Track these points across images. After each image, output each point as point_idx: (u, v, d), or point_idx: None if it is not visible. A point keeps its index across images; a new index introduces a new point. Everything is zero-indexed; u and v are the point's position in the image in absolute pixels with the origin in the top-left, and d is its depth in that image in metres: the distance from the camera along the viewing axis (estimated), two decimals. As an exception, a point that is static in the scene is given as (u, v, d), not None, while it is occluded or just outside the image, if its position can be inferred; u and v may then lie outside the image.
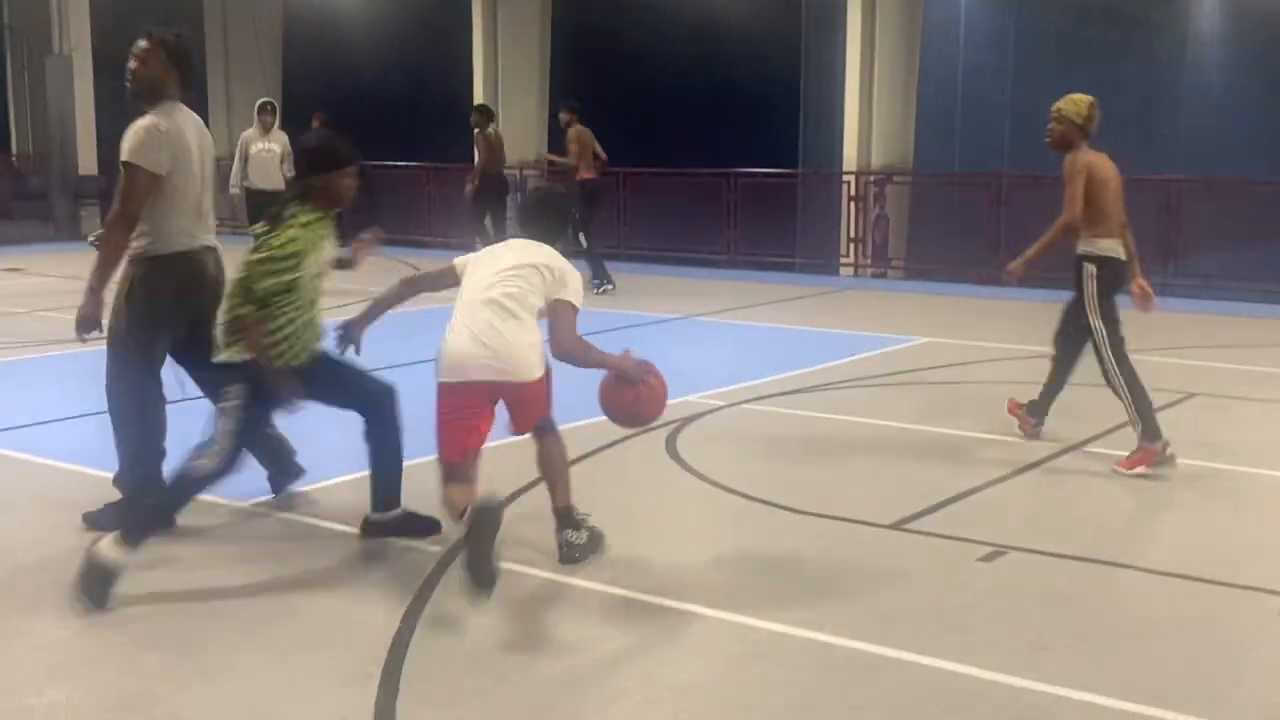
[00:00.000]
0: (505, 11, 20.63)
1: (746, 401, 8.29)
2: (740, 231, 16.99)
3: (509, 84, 20.70)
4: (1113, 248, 6.87)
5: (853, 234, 16.37)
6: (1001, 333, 11.22)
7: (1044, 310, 12.87)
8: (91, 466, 6.56)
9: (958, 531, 5.61)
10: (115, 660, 4.24)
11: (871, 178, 16.57)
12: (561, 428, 7.18)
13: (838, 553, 5.40)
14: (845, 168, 16.79)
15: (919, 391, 8.88)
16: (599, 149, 14.44)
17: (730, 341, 11.13)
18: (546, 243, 5.17)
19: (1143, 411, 6.71)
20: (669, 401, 5.51)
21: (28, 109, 26.71)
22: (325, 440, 7.61)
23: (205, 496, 6.05)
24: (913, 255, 16.53)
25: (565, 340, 5.02)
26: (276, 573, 5.13)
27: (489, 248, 5.40)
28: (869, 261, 16.45)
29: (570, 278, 5.06)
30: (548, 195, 5.84)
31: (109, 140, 20.23)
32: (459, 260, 5.29)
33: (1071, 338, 7.13)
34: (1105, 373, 6.85)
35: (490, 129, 15.40)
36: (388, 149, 20.74)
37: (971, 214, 15.85)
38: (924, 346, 10.53)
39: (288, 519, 5.77)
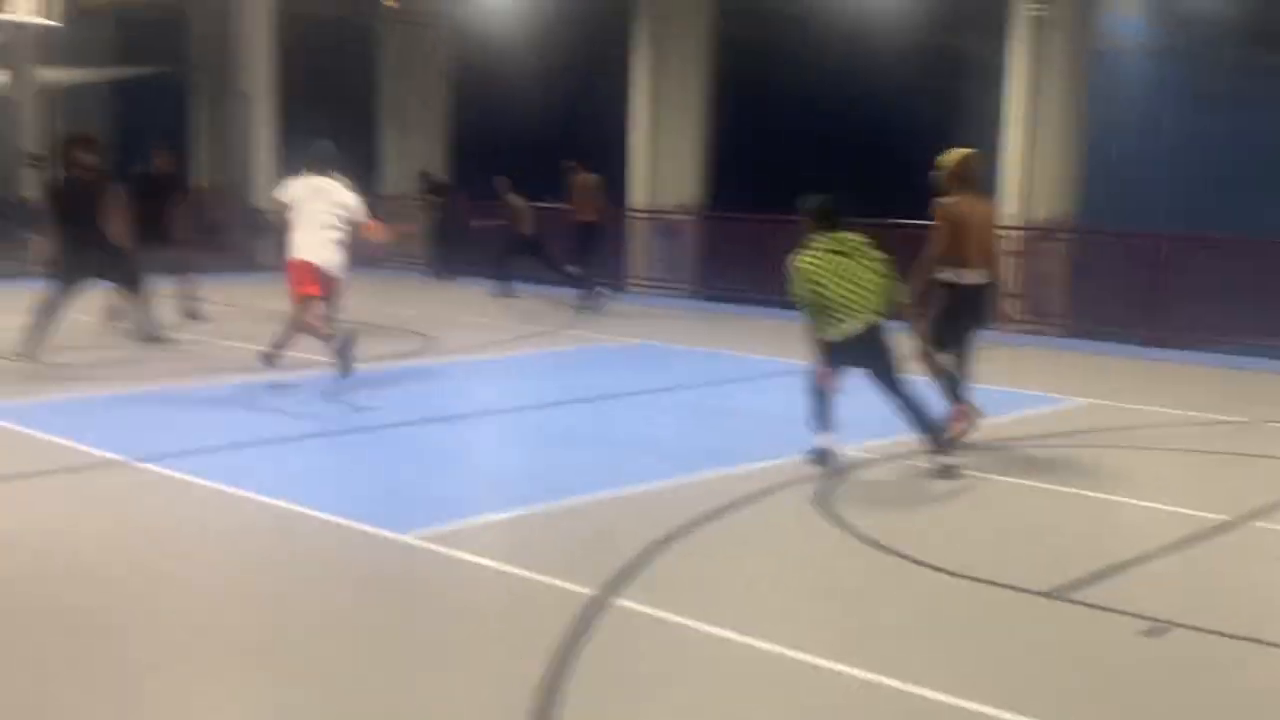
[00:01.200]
0: (666, 58, 20.90)
1: (901, 456, 8.20)
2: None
3: (667, 129, 20.94)
4: (970, 274, 8.31)
5: (1012, 289, 16.08)
6: (1168, 396, 10.89)
7: (1214, 375, 12.49)
8: (256, 492, 6.82)
9: (1117, 603, 5.46)
10: (269, 690, 4.39)
11: (1032, 232, 16.27)
12: (705, 473, 7.28)
13: (991, 619, 5.30)
14: (1006, 223, 16.54)
15: (1080, 454, 8.67)
16: (600, 198, 17.17)
17: (884, 394, 11.01)
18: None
19: (948, 391, 8.41)
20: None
21: (207, 143, 27.95)
22: (479, 475, 7.78)
23: (370, 529, 6.24)
24: (1074, 313, 16.16)
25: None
26: (428, 608, 5.25)
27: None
28: (1028, 318, 16.13)
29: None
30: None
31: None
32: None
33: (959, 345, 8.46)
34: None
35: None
36: (550, 190, 21.15)
37: (1135, 272, 15.45)
38: (1086, 408, 10.28)
39: (442, 553, 5.90)
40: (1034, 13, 16.21)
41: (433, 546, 5.99)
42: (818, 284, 7.40)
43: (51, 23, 16.81)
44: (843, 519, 6.67)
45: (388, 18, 24.91)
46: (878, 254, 7.58)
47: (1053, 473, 7.92)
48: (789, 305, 17.09)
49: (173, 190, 14.10)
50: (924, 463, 7.81)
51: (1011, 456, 8.44)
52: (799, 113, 20.40)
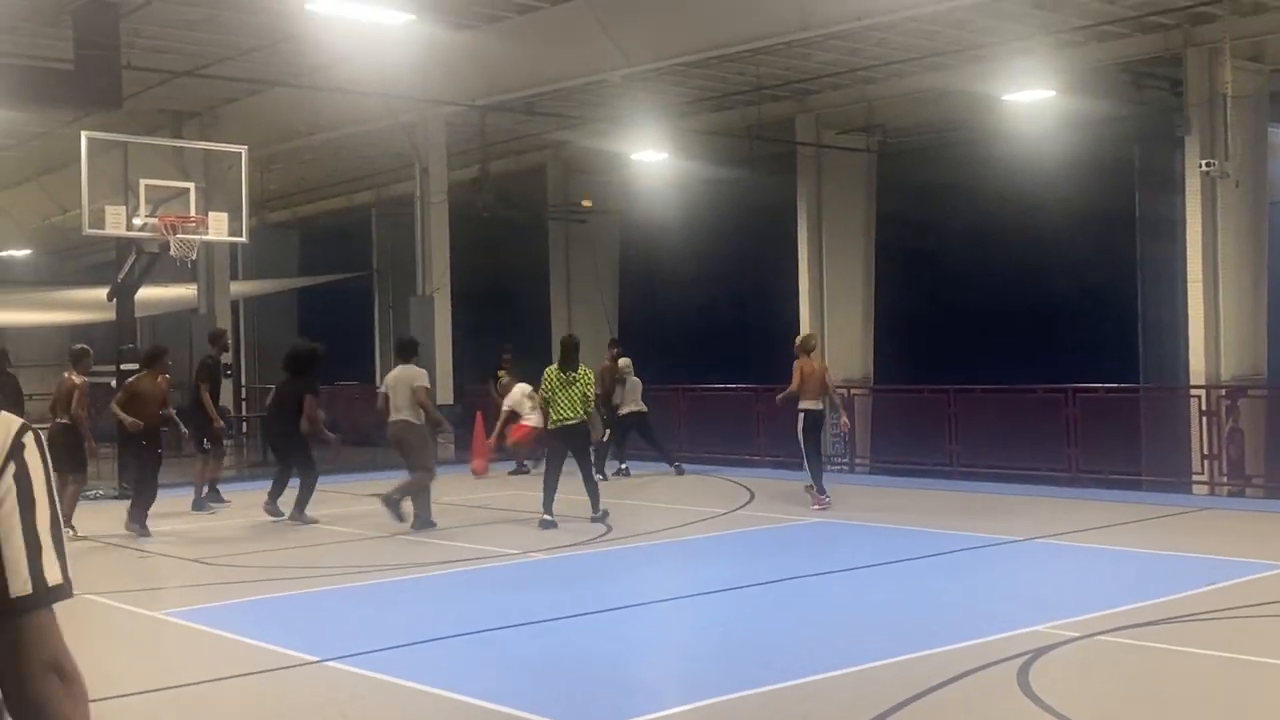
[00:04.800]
0: (830, 237, 21.13)
1: (1103, 632, 7.80)
2: (1081, 449, 16.32)
3: (834, 307, 21.03)
4: (811, 404, 13.72)
5: (1205, 450, 15.44)
6: (1388, 558, 10.19)
7: None
8: (445, 688, 6.83)
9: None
10: None
11: (1222, 390, 15.69)
12: (900, 656, 7.04)
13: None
14: (1193, 381, 15.99)
15: (1297, 625, 8.13)
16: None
17: (1078, 566, 10.58)
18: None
19: (815, 478, 13.81)
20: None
21: (391, 343, 29.12)
22: (671, 662, 7.64)
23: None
24: (1274, 472, 15.40)
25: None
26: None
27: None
28: (1225, 479, 15.43)
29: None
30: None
31: (465, 371, 21.69)
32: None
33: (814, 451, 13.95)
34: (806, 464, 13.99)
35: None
36: (717, 371, 21.33)
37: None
38: (1298, 574, 9.67)
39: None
40: (1206, 169, 15.95)
41: (622, 740, 5.88)
42: (550, 393, 12.65)
43: (241, 240, 17.87)
44: (1048, 702, 6.34)
45: (557, 214, 25.86)
46: (588, 384, 12.80)
47: (1264, 645, 7.43)
48: (967, 476, 16.78)
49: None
50: (1122, 638, 7.42)
51: (1225, 629, 7.97)
52: (964, 282, 20.29)
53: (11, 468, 1.89)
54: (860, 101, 20.53)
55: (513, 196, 24.94)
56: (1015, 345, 19.32)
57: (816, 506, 13.67)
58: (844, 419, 15.63)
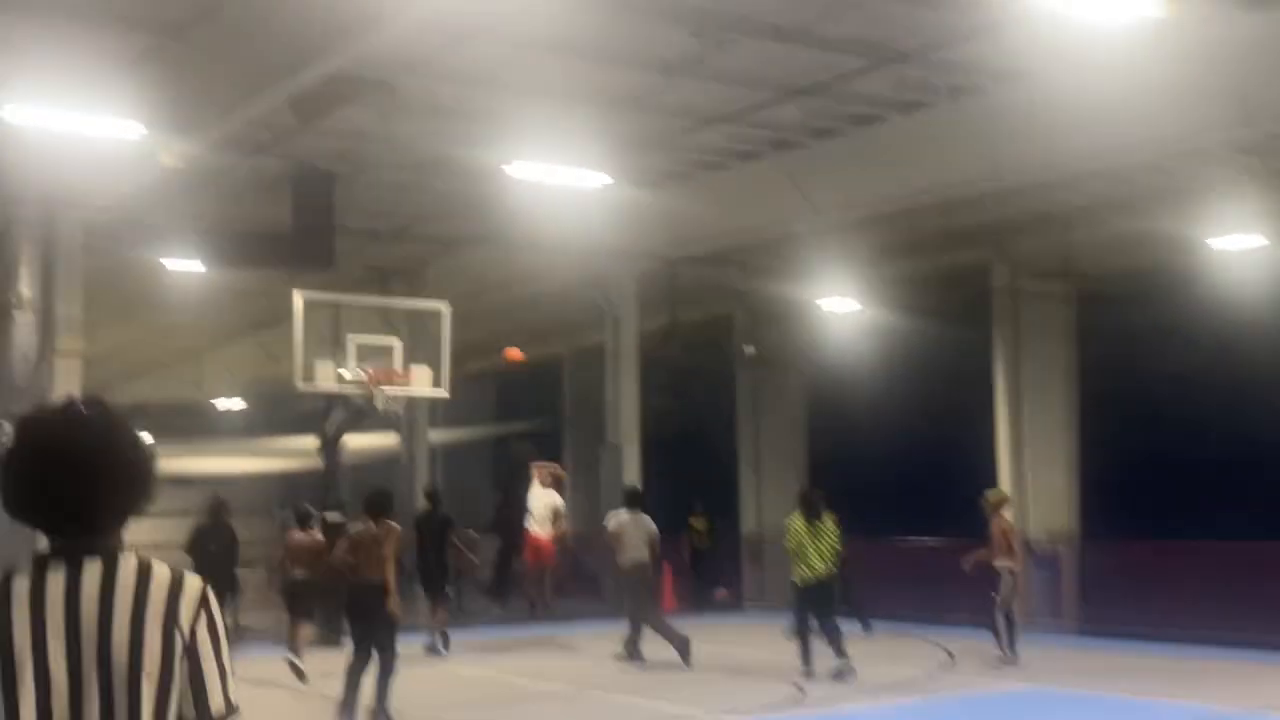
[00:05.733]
0: (1028, 385, 20.56)
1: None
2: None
3: (1035, 458, 20.35)
4: (1016, 563, 14.04)
5: None
6: None
7: None
8: None
9: None
10: None
11: None
12: None
13: None
14: None
15: None
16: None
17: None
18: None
19: (1011, 644, 13.86)
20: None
21: (583, 493, 29.37)
22: None
23: None
24: None
25: None
26: None
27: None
28: None
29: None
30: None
31: (654, 519, 21.66)
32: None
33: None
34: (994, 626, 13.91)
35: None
36: (909, 523, 20.79)
37: None
38: None
39: None
40: None
41: None
42: (797, 545, 12.89)
43: (442, 393, 18.30)
44: None
45: (745, 363, 25.89)
46: (836, 535, 13.07)
47: None
48: (1185, 638, 15.87)
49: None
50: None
51: None
52: (1177, 431, 19.41)
53: (204, 615, 2.45)
54: (1058, 247, 20.11)
55: (700, 345, 25.10)
56: (1234, 497, 18.32)
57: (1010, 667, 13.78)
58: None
